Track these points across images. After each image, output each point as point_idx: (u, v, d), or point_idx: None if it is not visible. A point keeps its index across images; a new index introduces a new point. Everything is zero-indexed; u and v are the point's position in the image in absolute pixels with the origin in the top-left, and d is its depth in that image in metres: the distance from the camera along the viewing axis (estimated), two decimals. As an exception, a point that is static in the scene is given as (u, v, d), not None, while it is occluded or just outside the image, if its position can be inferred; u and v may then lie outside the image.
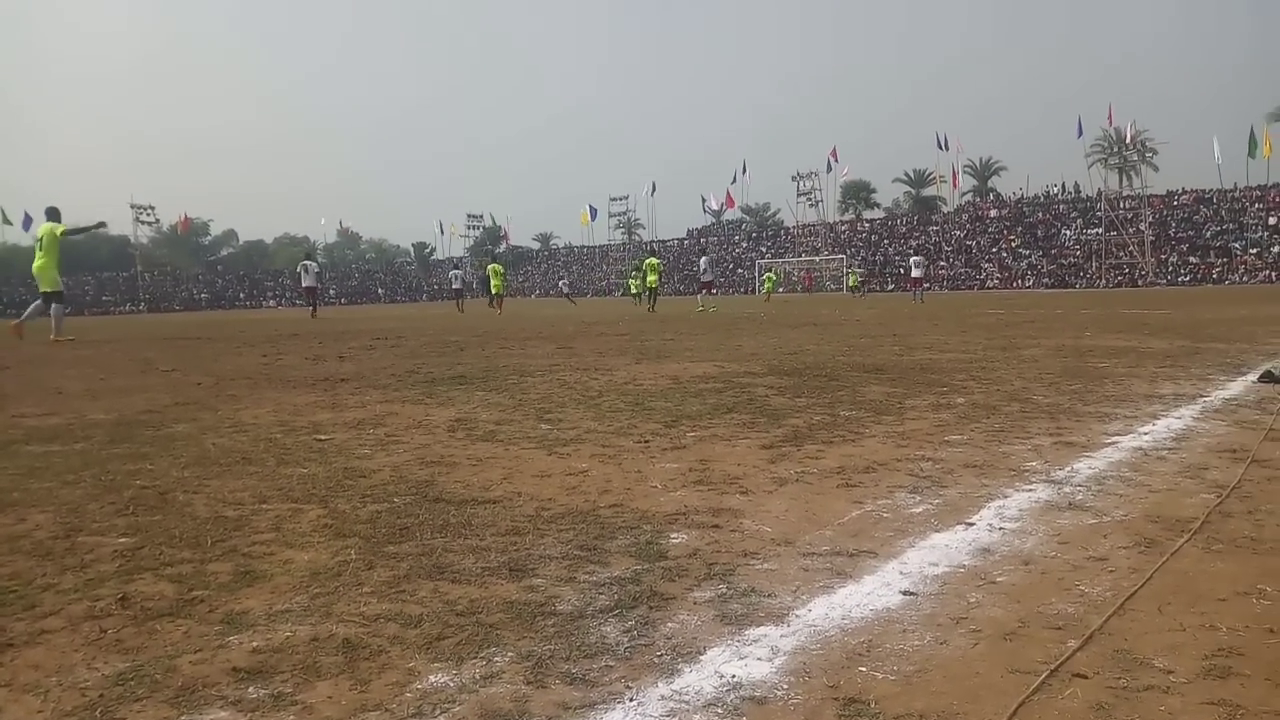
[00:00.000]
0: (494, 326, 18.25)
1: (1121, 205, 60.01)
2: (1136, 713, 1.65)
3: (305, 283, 29.13)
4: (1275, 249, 52.69)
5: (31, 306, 15.25)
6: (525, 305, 47.36)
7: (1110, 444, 4.13)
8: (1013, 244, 63.56)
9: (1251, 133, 58.21)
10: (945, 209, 74.57)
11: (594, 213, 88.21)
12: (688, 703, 1.71)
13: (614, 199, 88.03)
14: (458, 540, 2.78)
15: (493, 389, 6.71)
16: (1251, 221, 55.21)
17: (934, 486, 3.39)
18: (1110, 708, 1.66)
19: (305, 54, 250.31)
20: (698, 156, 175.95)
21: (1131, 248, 56.29)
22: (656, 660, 1.90)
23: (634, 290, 41.11)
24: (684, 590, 2.32)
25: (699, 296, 28.33)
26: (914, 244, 64.73)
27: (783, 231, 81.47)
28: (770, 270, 57.07)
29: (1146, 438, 4.25)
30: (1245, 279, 50.99)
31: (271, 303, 78.37)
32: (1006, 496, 3.22)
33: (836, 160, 73.44)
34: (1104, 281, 54.63)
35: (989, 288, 58.48)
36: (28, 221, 70.30)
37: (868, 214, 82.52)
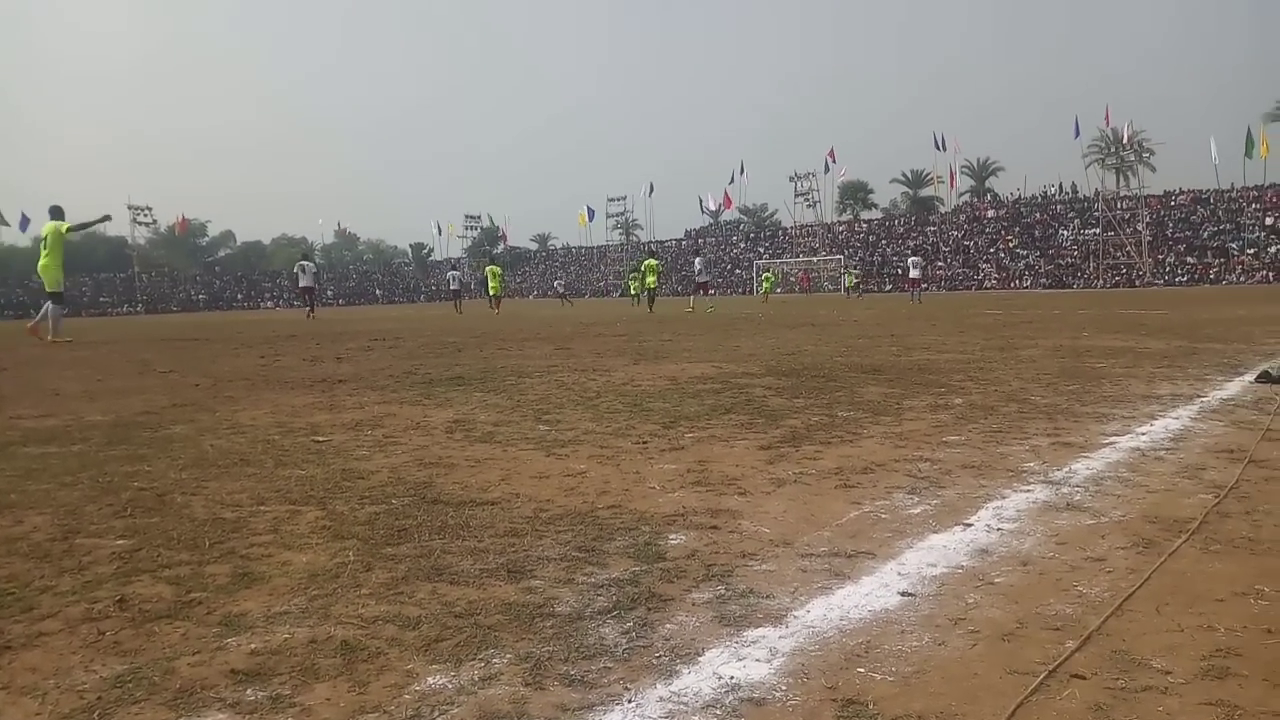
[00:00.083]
0: (492, 327, 18.25)
1: (1119, 205, 60.06)
2: (1135, 713, 1.65)
3: (302, 283, 29.10)
4: (1272, 249, 52.75)
5: (45, 311, 15.25)
6: (522, 306, 47.33)
7: (1108, 444, 4.13)
8: (1010, 244, 63.60)
9: (1248, 133, 58.22)
10: (943, 209, 74.55)
11: (592, 214, 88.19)
12: (686, 704, 1.71)
13: (612, 200, 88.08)
14: (456, 542, 2.78)
15: (491, 390, 6.71)
16: (1248, 222, 55.26)
17: (932, 487, 3.39)
18: (1108, 708, 1.66)
19: (303, 54, 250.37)
20: (696, 157, 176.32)
21: (1129, 248, 56.35)
22: (655, 662, 1.90)
23: (633, 291, 41.18)
24: (682, 591, 2.32)
25: (690, 298, 28.39)
26: (912, 244, 64.80)
27: (780, 232, 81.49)
28: (768, 271, 57.04)
29: (1144, 438, 4.26)
30: (1242, 279, 51.05)
31: (269, 304, 78.28)
32: (1004, 497, 3.22)
33: (834, 161, 73.50)
34: (1101, 282, 54.67)
35: (987, 288, 58.52)
36: (25, 222, 70.13)
37: (865, 214, 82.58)
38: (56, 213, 15.01)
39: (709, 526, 2.92)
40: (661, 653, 1.94)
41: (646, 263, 31.44)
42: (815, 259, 69.39)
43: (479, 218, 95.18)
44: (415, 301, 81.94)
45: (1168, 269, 55.23)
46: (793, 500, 3.25)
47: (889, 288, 61.33)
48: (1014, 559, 2.54)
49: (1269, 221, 54.29)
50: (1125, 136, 60.60)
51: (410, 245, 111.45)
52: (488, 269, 35.28)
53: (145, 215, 72.31)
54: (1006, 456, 3.92)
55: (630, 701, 1.73)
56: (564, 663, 1.90)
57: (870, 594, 2.28)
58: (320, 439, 4.68)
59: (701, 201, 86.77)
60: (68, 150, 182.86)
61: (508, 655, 1.94)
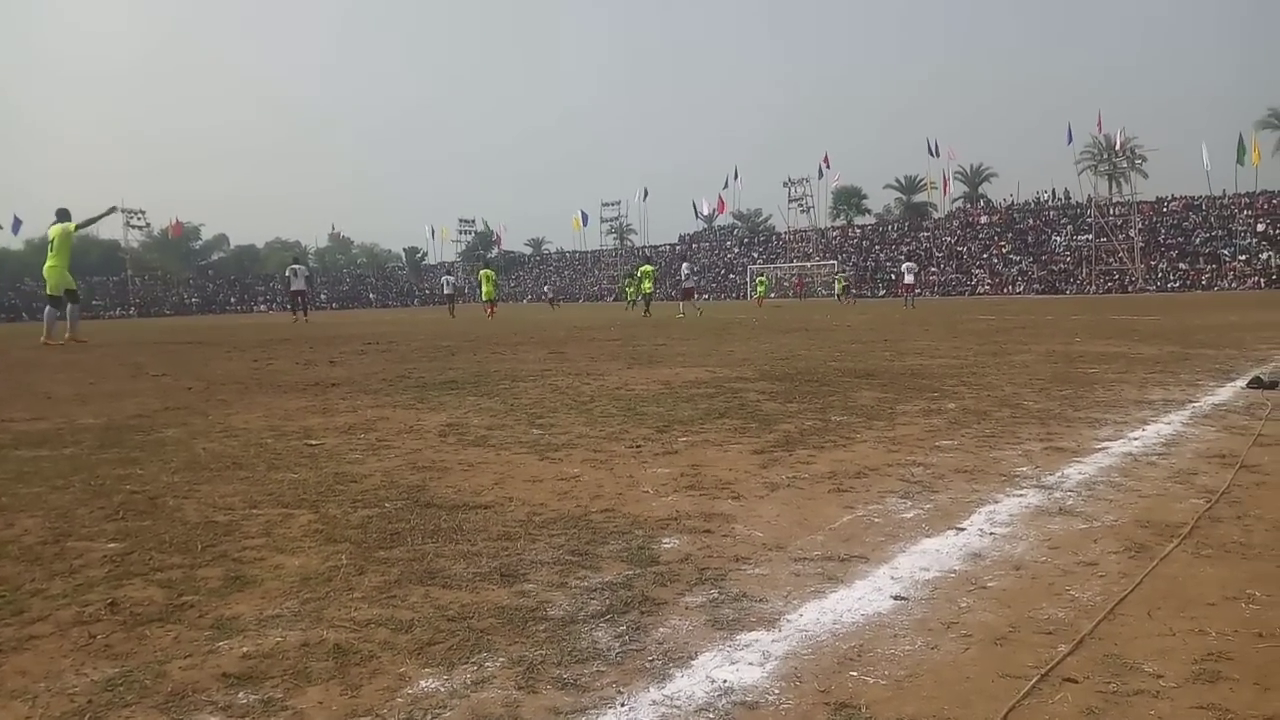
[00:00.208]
0: (485, 331, 18.24)
1: (1111, 212, 60.31)
2: (1126, 717, 1.65)
3: (294, 287, 29.09)
4: (1264, 256, 53.02)
5: (68, 310, 15.22)
6: (515, 311, 47.30)
7: (1100, 449, 4.14)
8: (1003, 250, 63.82)
9: (1240, 140, 58.63)
10: (936, 215, 74.79)
11: (586, 218, 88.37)
12: (679, 708, 1.71)
13: (606, 204, 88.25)
14: (449, 545, 2.78)
15: (484, 394, 6.70)
16: (1240, 228, 55.56)
17: (925, 491, 3.40)
18: (1100, 712, 1.67)
19: (300, 56, 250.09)
20: (690, 163, 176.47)
21: (1121, 254, 56.56)
22: (648, 665, 1.90)
23: (629, 296, 41.35)
24: (675, 595, 2.32)
25: (680, 305, 28.51)
26: (905, 250, 64.97)
27: (774, 237, 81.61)
28: (762, 275, 57.11)
29: (1136, 443, 4.27)
30: (1234, 285, 51.30)
31: (263, 307, 78.11)
32: (997, 502, 3.23)
33: (828, 166, 73.73)
34: (1094, 287, 54.88)
35: (980, 294, 58.70)
36: (17, 225, 70.02)
37: (859, 220, 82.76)
38: (63, 215, 14.95)
39: (702, 530, 2.92)
40: (654, 656, 1.94)
41: (643, 268, 31.94)
42: (809, 264, 69.50)
43: (473, 222, 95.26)
44: (409, 305, 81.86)
45: (1160, 275, 55.45)
46: (786, 504, 3.26)
47: (882, 293, 61.44)
48: (1006, 563, 2.54)
49: (1260, 228, 54.60)
50: (1118, 143, 60.94)
51: (404, 249, 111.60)
52: (481, 273, 35.32)
53: (139, 219, 72.18)
54: (999, 461, 3.93)
55: (623, 705, 1.72)
56: (557, 666, 1.89)
57: (863, 598, 2.29)
58: (313, 443, 4.67)
59: (696, 206, 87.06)
60: (65, 151, 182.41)
61: (500, 659, 1.94)
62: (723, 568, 2.54)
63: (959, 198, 78.64)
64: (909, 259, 48.60)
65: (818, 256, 70.46)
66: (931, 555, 2.63)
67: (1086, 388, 6.36)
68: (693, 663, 1.91)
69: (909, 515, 3.07)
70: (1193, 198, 60.43)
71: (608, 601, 2.27)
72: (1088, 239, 58.21)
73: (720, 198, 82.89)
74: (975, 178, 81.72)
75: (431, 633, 2.08)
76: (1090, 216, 58.95)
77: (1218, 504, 3.12)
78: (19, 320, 58.81)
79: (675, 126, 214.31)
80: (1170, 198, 61.51)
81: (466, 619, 2.16)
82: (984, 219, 69.26)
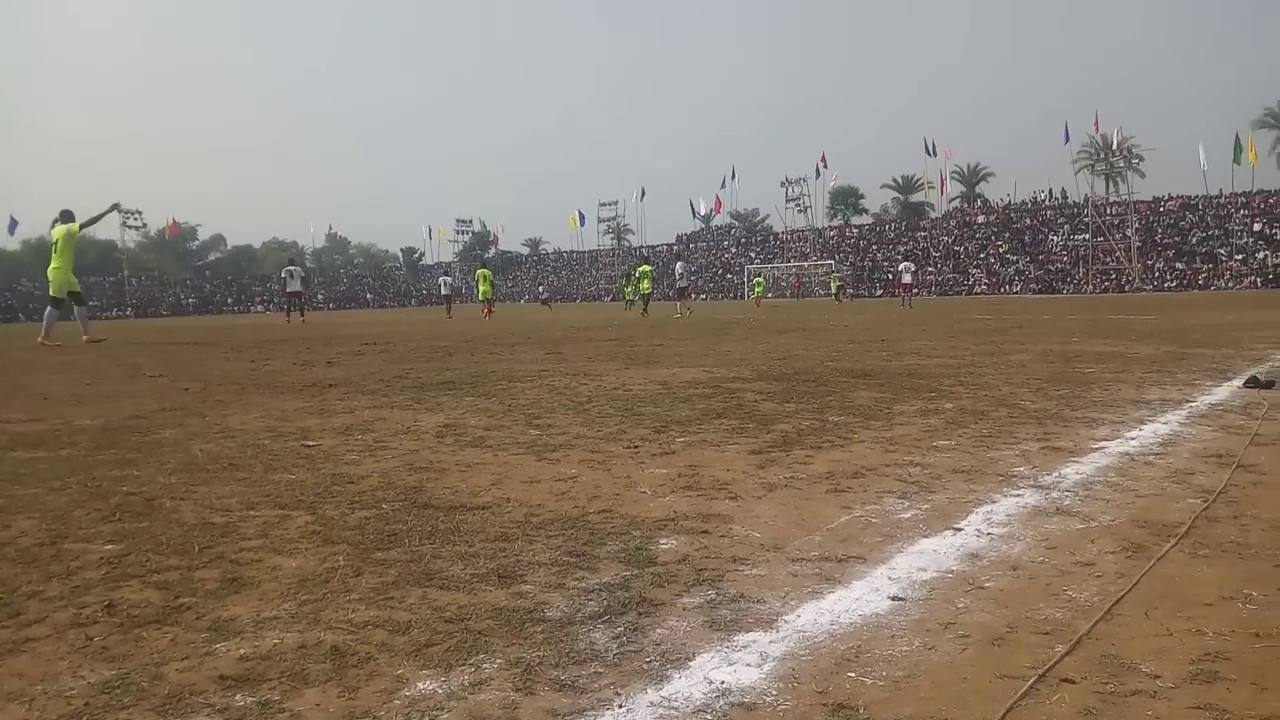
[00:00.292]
0: (483, 332, 18.23)
1: (1108, 211, 60.43)
2: (1124, 717, 1.65)
3: (290, 288, 29.12)
4: (1260, 255, 53.11)
5: (77, 312, 15.19)
6: (511, 311, 47.28)
7: (1097, 449, 4.15)
8: (1000, 250, 63.90)
9: (1237, 139, 58.77)
10: (933, 215, 74.86)
11: (583, 218, 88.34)
12: (677, 709, 1.71)
13: (603, 204, 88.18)
14: (446, 546, 2.78)
15: (481, 394, 6.70)
16: (1237, 228, 55.67)
17: (922, 492, 3.40)
18: (1098, 713, 1.67)
19: (296, 58, 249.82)
20: (687, 163, 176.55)
21: (1118, 253, 56.65)
22: (645, 666, 1.90)
23: (628, 296, 41.46)
24: (673, 596, 2.32)
25: (677, 304, 28.65)
26: (902, 250, 65.04)
27: (771, 237, 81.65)
28: (759, 275, 57.14)
29: (1133, 443, 4.27)
30: (1231, 285, 51.39)
31: (260, 308, 78.07)
32: (994, 502, 3.23)
33: (825, 166, 73.78)
34: (1091, 287, 54.96)
35: (977, 293, 58.77)
36: (13, 225, 69.98)
37: (856, 220, 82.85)
38: (67, 216, 14.91)
39: (700, 531, 2.92)
40: (652, 657, 1.94)
41: (641, 268, 32.15)
42: (806, 264, 69.54)
43: (470, 222, 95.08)
44: (406, 306, 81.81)
45: (1157, 274, 55.54)
46: (783, 505, 3.26)
47: (879, 292, 61.48)
48: (1004, 563, 2.55)
49: (1257, 227, 54.71)
50: (1115, 142, 61.01)
51: (401, 249, 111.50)
52: (479, 273, 35.33)
53: (135, 219, 72.08)
54: (996, 461, 3.93)
55: (621, 706, 1.72)
56: (554, 668, 1.89)
57: (861, 598, 2.29)
58: (310, 444, 4.67)
59: (693, 206, 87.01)
60: (64, 150, 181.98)
61: (498, 660, 1.93)
62: (720, 568, 2.54)
63: (956, 197, 78.91)
64: (907, 258, 48.65)
65: (815, 256, 70.49)
66: (929, 555, 2.63)
67: (1083, 387, 6.37)
68: (690, 664, 1.91)
69: (906, 515, 3.07)
70: (1189, 197, 60.55)
71: (605, 603, 2.27)
72: (1085, 239, 58.31)
73: (718, 198, 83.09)
74: (972, 177, 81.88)
75: (429, 634, 2.08)
76: (1087, 216, 59.05)
77: (1215, 504, 3.12)
78: (15, 321, 58.71)
79: (673, 127, 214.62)
80: (1167, 197, 61.64)
81: (464, 620, 2.16)
82: (981, 219, 69.37)
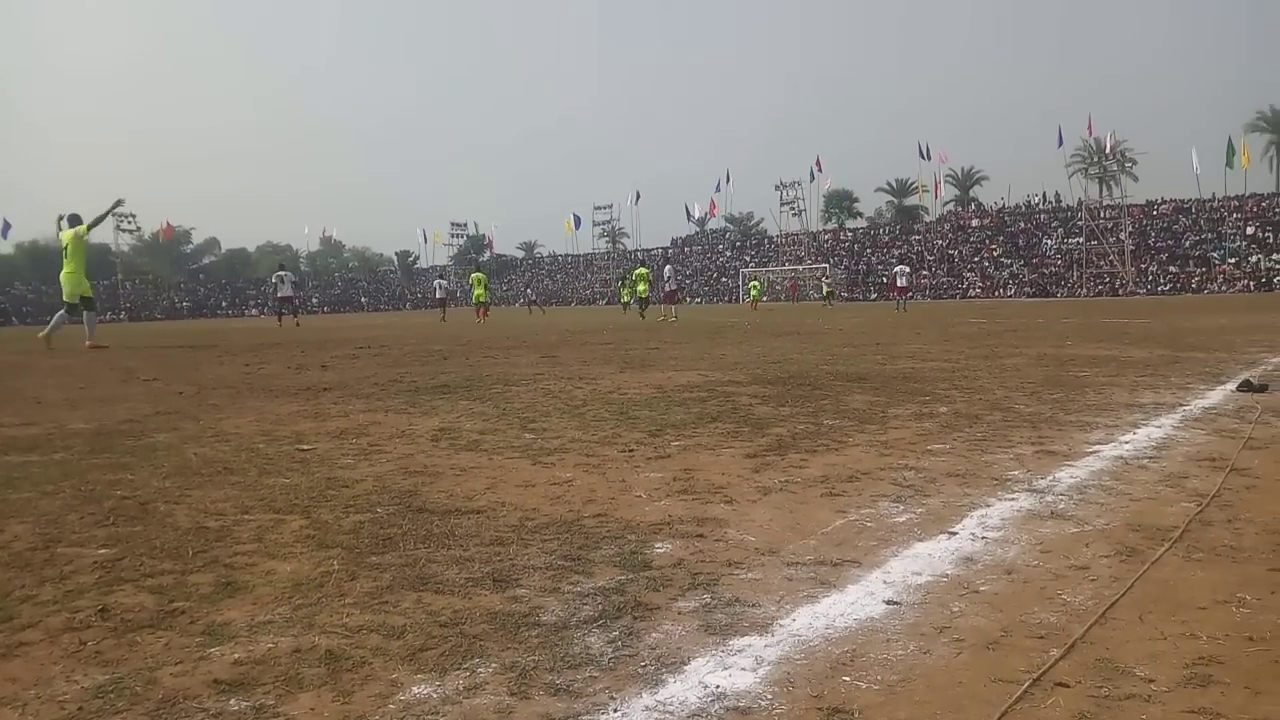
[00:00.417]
0: (477, 335, 18.22)
1: (1102, 215, 60.58)
2: (1118, 721, 1.66)
3: (281, 293, 29.15)
4: (1253, 258, 53.28)
5: (85, 317, 15.14)
6: (505, 315, 47.24)
7: (1091, 453, 4.16)
8: (994, 253, 64.00)
9: (1229, 143, 58.96)
10: (928, 218, 74.99)
11: (578, 222, 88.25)
12: (672, 713, 1.71)
13: (598, 208, 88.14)
14: (441, 551, 2.77)
15: (476, 398, 6.70)
16: (1229, 231, 55.84)
17: (917, 496, 3.40)
18: (1092, 716, 1.67)
19: (292, 59, 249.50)
20: (682, 166, 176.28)
21: (1112, 257, 56.77)
22: (641, 671, 1.90)
23: (625, 299, 41.57)
24: (668, 600, 2.32)
25: (672, 308, 28.84)
26: (897, 253, 65.17)
27: (766, 240, 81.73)
28: (755, 279, 57.17)
29: (1127, 446, 4.29)
30: (1224, 288, 51.53)
31: (254, 311, 77.89)
32: (989, 505, 3.24)
33: (820, 169, 73.87)
34: (1085, 290, 55.05)
35: (971, 297, 58.84)
36: (6, 228, 69.83)
37: (850, 223, 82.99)
38: (74, 220, 14.87)
39: (695, 535, 2.92)
40: (647, 662, 1.94)
41: (637, 271, 32.38)
42: (801, 267, 69.60)
43: (465, 225, 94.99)
44: (401, 309, 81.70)
45: (1150, 278, 55.66)
46: (778, 508, 3.26)
47: (874, 296, 61.56)
48: (998, 567, 2.55)
49: (1250, 231, 54.89)
50: (1108, 146, 61.27)
51: (396, 253, 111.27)
52: (473, 277, 35.31)
53: (129, 222, 71.87)
54: (991, 465, 3.94)
55: (616, 711, 1.72)
56: (550, 672, 1.89)
57: (856, 602, 2.29)
58: (305, 447, 4.66)
59: (688, 209, 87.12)
60: (64, 151, 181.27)
61: (493, 664, 1.93)
62: (715, 572, 2.54)
63: (950, 201, 78.98)
64: (901, 262, 48.72)
65: (810, 260, 70.54)
66: (924, 559, 2.63)
67: (1077, 391, 6.38)
68: (685, 668, 1.91)
69: (901, 519, 3.08)
70: (1182, 201, 60.76)
71: (600, 607, 2.27)
72: (1078, 242, 58.40)
73: (712, 201, 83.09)
74: (966, 181, 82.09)
75: (424, 639, 2.08)
76: (1081, 219, 59.15)
77: (1208, 507, 3.13)
78: (9, 325, 58.50)
79: (668, 131, 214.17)
80: (1160, 201, 61.84)
81: (459, 624, 2.16)
82: (975, 222, 69.48)
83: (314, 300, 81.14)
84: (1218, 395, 6.05)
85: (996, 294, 58.66)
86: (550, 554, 2.73)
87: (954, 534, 2.89)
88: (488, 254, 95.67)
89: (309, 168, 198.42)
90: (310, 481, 3.81)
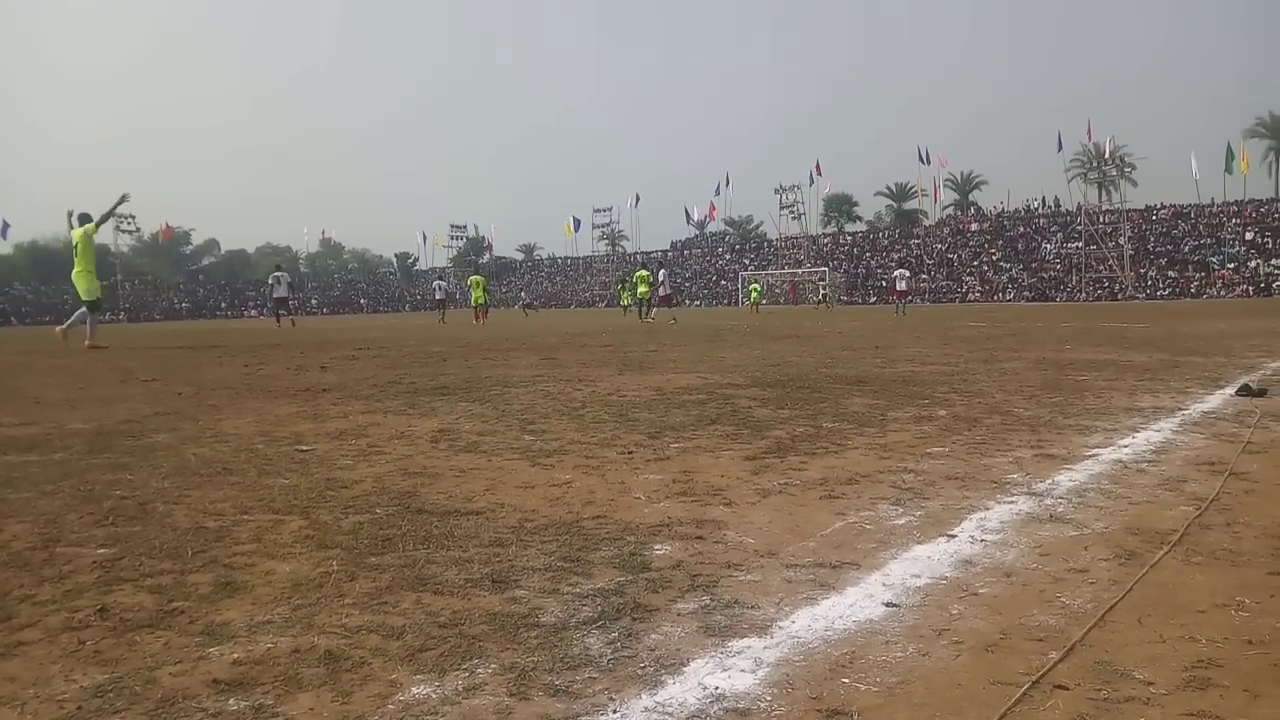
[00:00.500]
0: (477, 337, 18.22)
1: (1101, 220, 60.59)
2: (1117, 724, 1.66)
3: (277, 294, 29.19)
4: (1252, 264, 53.33)
5: (88, 318, 15.13)
6: (499, 317, 47.25)
7: (1090, 456, 4.16)
8: (994, 257, 64.08)
9: (1229, 148, 59.05)
10: (927, 222, 75.09)
11: (578, 224, 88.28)
12: (671, 714, 1.71)
13: (598, 210, 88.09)
14: (440, 552, 2.77)
15: (476, 400, 6.70)
16: (1229, 236, 55.92)
17: (916, 498, 3.41)
18: (1091, 719, 1.67)
19: (291, 60, 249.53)
20: (682, 169, 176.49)
21: (1111, 262, 56.82)
22: (640, 672, 1.90)
23: (625, 302, 41.65)
24: (667, 602, 2.32)
25: (664, 310, 29.09)
26: (896, 257, 65.22)
27: (766, 244, 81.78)
28: (755, 282, 57.21)
29: (1126, 450, 4.29)
30: (1223, 293, 51.55)
31: (253, 312, 77.82)
32: (988, 508, 3.24)
33: (820, 173, 73.95)
34: (1084, 295, 55.06)
35: (970, 301, 58.86)
36: (5, 229, 69.88)
37: (850, 227, 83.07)
38: (84, 218, 14.83)
39: (694, 537, 2.92)
40: (646, 663, 1.94)
41: (637, 273, 32.51)
42: (800, 271, 69.63)
43: (464, 227, 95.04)
44: (400, 311, 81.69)
45: (1149, 283, 55.71)
46: (778, 511, 3.26)
47: (873, 299, 61.59)
48: (997, 570, 2.55)
49: (1249, 236, 54.95)
50: (1107, 151, 61.24)
51: (395, 255, 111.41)
52: (472, 279, 35.29)
53: (129, 223, 71.87)
54: (990, 468, 3.94)
55: (615, 712, 1.72)
56: (549, 673, 1.89)
57: (855, 604, 2.29)
58: (304, 448, 4.66)
59: (688, 212, 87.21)
60: (61, 151, 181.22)
61: (492, 665, 1.93)
62: (714, 574, 2.54)
63: (949, 205, 79.07)
64: (901, 265, 48.76)
65: (809, 263, 70.56)
66: (923, 562, 2.63)
67: (1077, 395, 6.38)
68: (685, 669, 1.91)
69: (900, 522, 3.08)
70: (1182, 206, 60.85)
71: (600, 608, 2.27)
72: (1077, 247, 58.45)
73: (712, 204, 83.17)
74: (966, 185, 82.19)
75: (423, 639, 2.08)
76: (1080, 224, 59.17)
77: (1207, 511, 3.13)
78: (8, 325, 58.48)
79: (668, 132, 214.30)
80: (1159, 206, 61.93)
81: (458, 625, 2.16)
82: (974, 226, 69.58)
83: (313, 302, 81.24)
84: (1217, 399, 6.06)
85: (995, 298, 58.70)
86: (549, 555, 2.73)
87: (953, 536, 2.89)
88: (487, 256, 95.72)
89: (309, 169, 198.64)
90: (309, 482, 3.81)
